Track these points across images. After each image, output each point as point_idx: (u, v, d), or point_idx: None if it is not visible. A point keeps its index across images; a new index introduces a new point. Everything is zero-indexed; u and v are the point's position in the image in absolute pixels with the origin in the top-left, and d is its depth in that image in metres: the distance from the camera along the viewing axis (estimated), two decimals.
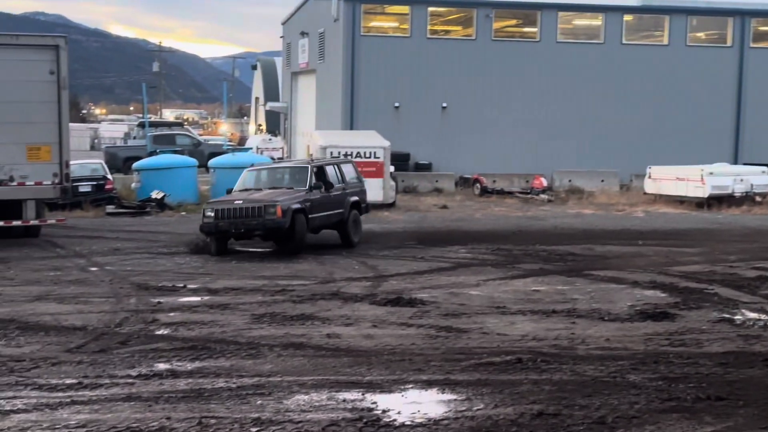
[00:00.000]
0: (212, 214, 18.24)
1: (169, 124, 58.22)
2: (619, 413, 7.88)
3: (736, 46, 40.55)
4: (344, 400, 8.24)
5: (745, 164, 36.35)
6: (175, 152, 32.47)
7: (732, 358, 9.97)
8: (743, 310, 12.85)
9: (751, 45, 40.70)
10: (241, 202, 18.35)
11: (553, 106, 39.15)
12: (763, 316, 12.39)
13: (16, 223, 20.25)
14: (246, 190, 19.66)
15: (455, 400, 8.30)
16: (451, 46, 39.45)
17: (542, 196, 33.34)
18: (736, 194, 30.40)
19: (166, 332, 11.19)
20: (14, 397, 8.25)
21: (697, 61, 40.14)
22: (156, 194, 27.10)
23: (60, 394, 8.38)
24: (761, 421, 7.63)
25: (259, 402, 8.15)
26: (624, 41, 40.00)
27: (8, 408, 7.92)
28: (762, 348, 10.49)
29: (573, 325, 11.83)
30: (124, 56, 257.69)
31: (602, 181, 36.10)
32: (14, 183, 19.93)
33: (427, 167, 37.94)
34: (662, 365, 9.64)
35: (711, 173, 30.45)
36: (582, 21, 41.79)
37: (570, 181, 36.03)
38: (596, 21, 40.48)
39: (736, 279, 15.64)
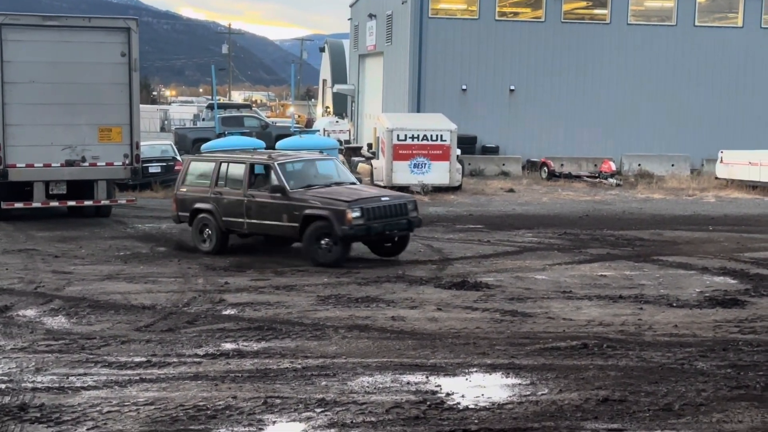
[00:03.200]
0: (359, 214, 14.98)
1: (238, 106, 58.63)
2: (686, 400, 7.79)
3: None
4: (408, 383, 8.26)
5: None
6: (243, 134, 32.69)
7: None
8: None
9: None
10: (388, 198, 15.82)
11: (622, 89, 38.64)
12: None
13: (88, 203, 20.62)
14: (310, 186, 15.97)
15: (519, 384, 8.28)
16: (520, 28, 39.10)
17: (610, 180, 32.94)
18: None
19: (232, 312, 11.33)
20: (85, 374, 8.42)
21: None
22: None
23: (129, 371, 8.54)
24: None
25: (323, 383, 8.21)
26: (697, 23, 39.26)
27: (79, 384, 8.09)
28: None
29: (640, 311, 11.70)
30: (194, 38, 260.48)
31: (672, 165, 35.54)
32: (86, 163, 20.28)
33: (494, 150, 37.74)
34: (731, 353, 9.50)
35: None
36: (653, 2, 41.14)
37: (639, 165, 35.53)
38: (668, 2, 39.79)
39: None
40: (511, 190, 29.46)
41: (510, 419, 7.30)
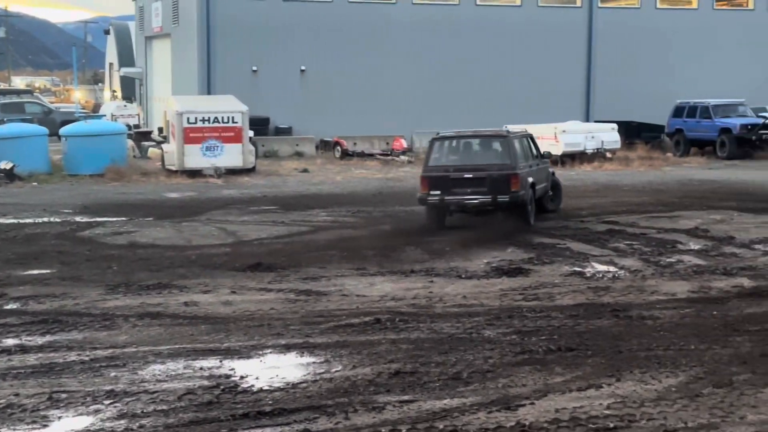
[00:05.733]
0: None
1: (18, 92, 56.10)
2: (474, 368, 8.05)
3: (585, 6, 41.57)
4: (201, 368, 8.15)
5: (596, 122, 37.40)
6: (24, 121, 31.31)
7: (582, 310, 10.29)
8: (593, 264, 13.26)
9: (600, 5, 41.81)
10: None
11: (412, 67, 39.38)
12: (611, 269, 12.82)
13: None
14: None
15: (314, 363, 8.32)
16: (308, 7, 39.14)
17: (402, 157, 33.57)
18: (588, 151, 31.30)
19: (14, 306, 10.83)
20: None
21: (549, 21, 40.98)
22: (4, 165, 26.11)
23: None
24: (608, 370, 7.90)
25: (113, 374, 7.99)
26: (478, 2, 40.49)
27: None
28: (610, 299, 10.86)
29: (431, 284, 11.99)
30: None
31: None
32: None
33: (287, 131, 37.72)
34: (516, 319, 9.88)
35: (564, 131, 31.22)
36: None
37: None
38: None
39: (587, 233, 16.12)
40: (306, 171, 29.54)
41: (304, 398, 7.32)
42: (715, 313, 10.05)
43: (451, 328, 9.52)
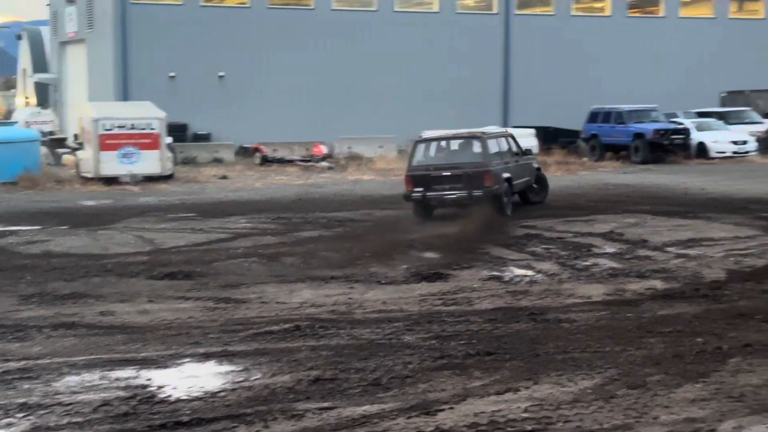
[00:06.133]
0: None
1: None
2: (393, 374, 8.07)
3: (501, 12, 42.09)
4: (117, 379, 8.03)
5: (513, 127, 37.83)
6: None
7: (500, 314, 10.39)
8: (511, 268, 13.40)
9: (516, 12, 42.38)
10: None
11: (330, 73, 39.43)
12: (529, 273, 12.97)
13: None
14: None
15: (233, 371, 8.25)
16: (227, 13, 38.97)
17: (322, 163, 33.56)
18: None
19: None
20: None
21: (467, 27, 41.41)
22: None
23: None
24: (526, 373, 7.99)
25: (26, 386, 7.82)
26: (396, 9, 40.69)
27: None
28: (528, 303, 10.99)
29: (351, 290, 11.99)
30: None
31: (380, 147, 36.69)
32: None
33: (206, 138, 37.45)
34: (435, 324, 9.93)
35: None
36: None
37: (350, 147, 36.42)
38: None
39: (506, 237, 16.30)
40: (225, 177, 29.34)
41: (223, 407, 7.26)
42: (629, 315, 10.22)
43: (370, 334, 9.53)
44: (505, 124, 40.17)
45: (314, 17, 39.49)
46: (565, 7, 43.58)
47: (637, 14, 45.82)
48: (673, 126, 35.02)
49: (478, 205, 18.49)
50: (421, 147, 20.28)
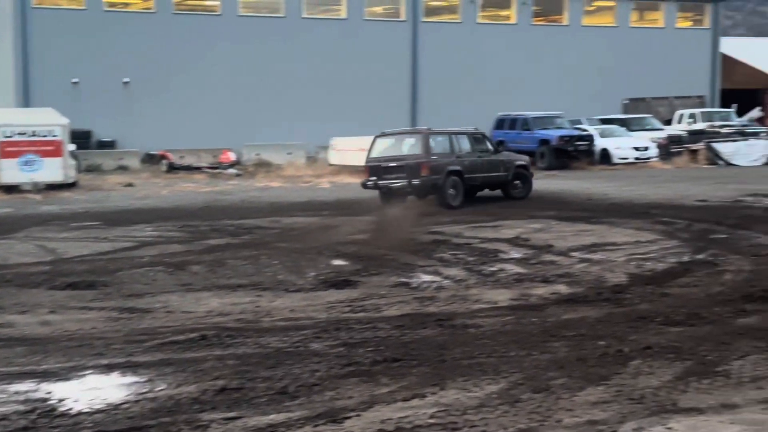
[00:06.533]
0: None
1: None
2: (301, 382, 8.02)
3: (409, 20, 42.36)
4: (16, 393, 7.81)
5: None
6: None
7: (408, 320, 10.42)
8: (419, 274, 13.46)
9: (423, 19, 42.70)
10: None
11: (238, 80, 39.19)
12: (436, 279, 13.06)
13: None
14: None
15: (137, 382, 8.11)
16: (131, 19, 38.42)
17: (230, 170, 33.33)
18: None
19: None
20: None
21: (375, 34, 41.59)
22: None
23: None
24: (432, 379, 8.03)
25: None
26: (304, 15, 40.63)
27: None
28: (435, 309, 11.05)
29: (258, 298, 11.90)
30: None
31: (289, 153, 36.61)
32: None
33: (110, 145, 36.87)
34: (343, 332, 9.91)
35: None
36: None
37: (258, 154, 36.25)
38: None
39: (414, 244, 16.36)
40: (130, 185, 28.92)
41: (126, 419, 7.13)
42: (534, 319, 10.35)
43: (278, 342, 9.47)
44: None
45: (221, 23, 39.19)
46: (472, 15, 44.08)
47: (541, 22, 46.58)
48: (577, 132, 35.70)
49: (418, 193, 21.94)
50: (378, 141, 23.59)
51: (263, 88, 39.44)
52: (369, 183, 22.83)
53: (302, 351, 9.11)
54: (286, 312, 11.01)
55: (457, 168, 22.60)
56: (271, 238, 17.50)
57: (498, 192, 24.55)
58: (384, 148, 23.34)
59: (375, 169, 22.79)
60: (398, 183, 22.25)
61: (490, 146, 24.33)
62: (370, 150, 23.31)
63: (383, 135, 23.82)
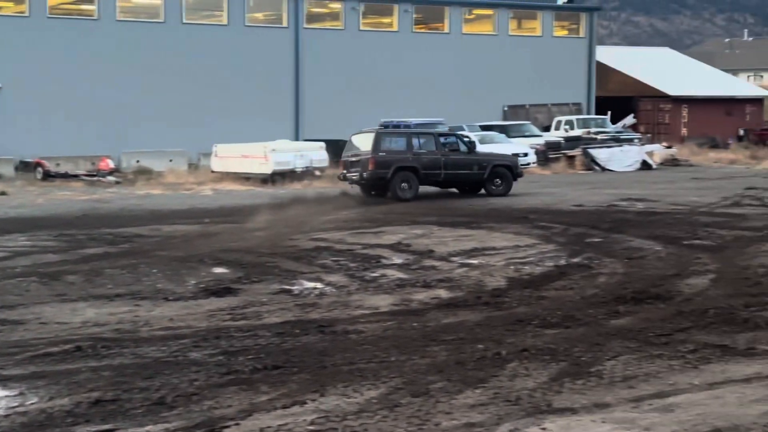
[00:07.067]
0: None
1: None
2: (179, 392, 7.91)
3: (291, 27, 42.27)
4: None
5: (305, 140, 38.08)
6: None
7: (289, 327, 10.39)
8: (301, 281, 13.44)
9: (305, 25, 42.67)
10: None
11: (117, 85, 38.41)
12: (318, 285, 13.05)
13: None
14: None
15: (7, 396, 7.86)
16: (3, 23, 37.29)
17: (109, 178, 32.66)
18: (297, 169, 31.75)
19: None
20: None
21: (257, 40, 41.35)
22: None
23: None
24: (313, 385, 8.02)
25: None
26: (185, 20, 40.14)
27: None
28: (317, 315, 11.05)
29: (137, 307, 11.69)
30: None
31: (171, 160, 36.08)
32: None
33: None
34: (223, 340, 9.82)
35: (274, 150, 31.54)
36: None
37: (138, 161, 35.62)
38: (156, 0, 40.24)
39: (296, 251, 16.32)
40: (3, 193, 28.07)
41: None
42: (415, 324, 10.44)
43: (156, 352, 9.32)
44: (297, 138, 40.38)
45: (98, 27, 38.40)
46: (354, 23, 44.25)
47: (423, 30, 47.06)
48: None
49: (369, 185, 25.69)
50: (352, 139, 26.96)
51: (143, 94, 38.75)
52: (340, 174, 26.54)
53: (181, 360, 8.99)
54: (165, 321, 10.85)
55: (411, 165, 25.31)
56: (150, 246, 17.21)
57: (470, 189, 27.17)
58: (354, 145, 26.42)
59: (345, 163, 26.24)
60: (355, 176, 25.52)
61: (463, 147, 26.68)
62: (346, 147, 26.85)
63: (359, 133, 27.11)
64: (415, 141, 26.13)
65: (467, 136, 36.32)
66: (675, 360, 8.74)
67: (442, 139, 26.85)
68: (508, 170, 26.94)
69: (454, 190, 27.34)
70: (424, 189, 26.51)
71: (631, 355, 8.90)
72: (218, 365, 8.78)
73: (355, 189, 26.46)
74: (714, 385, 7.93)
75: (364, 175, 25.22)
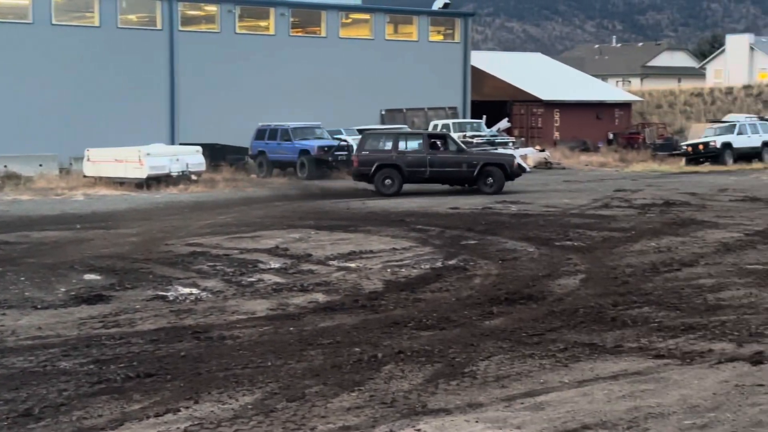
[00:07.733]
0: None
1: None
2: (47, 402, 7.71)
3: (165, 29, 41.63)
4: None
5: (181, 144, 37.55)
6: None
7: (163, 334, 10.23)
8: (177, 286, 13.23)
9: (180, 28, 42.07)
10: None
11: None
12: (194, 291, 12.88)
13: None
14: None
15: None
16: None
17: None
18: (173, 174, 31.27)
19: None
20: None
21: (130, 43, 40.55)
22: None
23: None
24: (187, 393, 7.91)
25: None
26: (54, 22, 39.11)
27: None
28: (192, 321, 10.90)
29: (3, 316, 11.33)
30: None
31: (41, 165, 35.03)
32: None
33: None
34: (94, 348, 9.61)
35: (148, 154, 30.98)
36: (8, 0, 40.16)
37: (5, 166, 34.47)
38: (24, 1, 39.07)
39: (171, 256, 16.07)
40: None
41: None
42: (291, 329, 10.41)
43: (23, 362, 9.05)
44: (172, 142, 39.73)
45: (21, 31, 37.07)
46: (230, 26, 43.83)
47: (300, 33, 46.95)
48: (336, 143, 36.19)
49: (356, 179, 28.85)
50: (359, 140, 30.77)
51: (11, 98, 37.55)
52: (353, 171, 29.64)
53: (50, 370, 8.75)
54: (33, 330, 10.54)
55: (393, 163, 27.63)
56: (18, 253, 16.69)
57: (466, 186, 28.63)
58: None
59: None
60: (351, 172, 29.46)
61: (453, 147, 28.41)
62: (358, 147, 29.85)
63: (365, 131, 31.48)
64: (402, 141, 28.44)
65: (346, 140, 36.54)
66: (546, 359, 8.93)
67: (433, 140, 28.67)
68: (499, 169, 28.13)
69: (448, 186, 29.11)
70: (429, 187, 28.91)
71: (504, 355, 9.06)
72: (89, 374, 8.58)
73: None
74: (583, 383, 8.13)
75: (354, 171, 28.53)
